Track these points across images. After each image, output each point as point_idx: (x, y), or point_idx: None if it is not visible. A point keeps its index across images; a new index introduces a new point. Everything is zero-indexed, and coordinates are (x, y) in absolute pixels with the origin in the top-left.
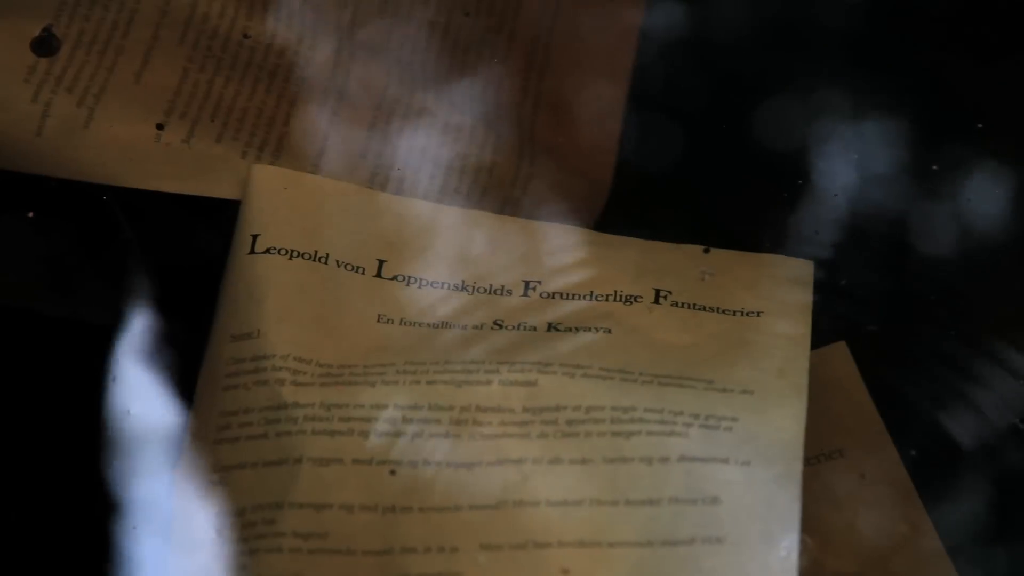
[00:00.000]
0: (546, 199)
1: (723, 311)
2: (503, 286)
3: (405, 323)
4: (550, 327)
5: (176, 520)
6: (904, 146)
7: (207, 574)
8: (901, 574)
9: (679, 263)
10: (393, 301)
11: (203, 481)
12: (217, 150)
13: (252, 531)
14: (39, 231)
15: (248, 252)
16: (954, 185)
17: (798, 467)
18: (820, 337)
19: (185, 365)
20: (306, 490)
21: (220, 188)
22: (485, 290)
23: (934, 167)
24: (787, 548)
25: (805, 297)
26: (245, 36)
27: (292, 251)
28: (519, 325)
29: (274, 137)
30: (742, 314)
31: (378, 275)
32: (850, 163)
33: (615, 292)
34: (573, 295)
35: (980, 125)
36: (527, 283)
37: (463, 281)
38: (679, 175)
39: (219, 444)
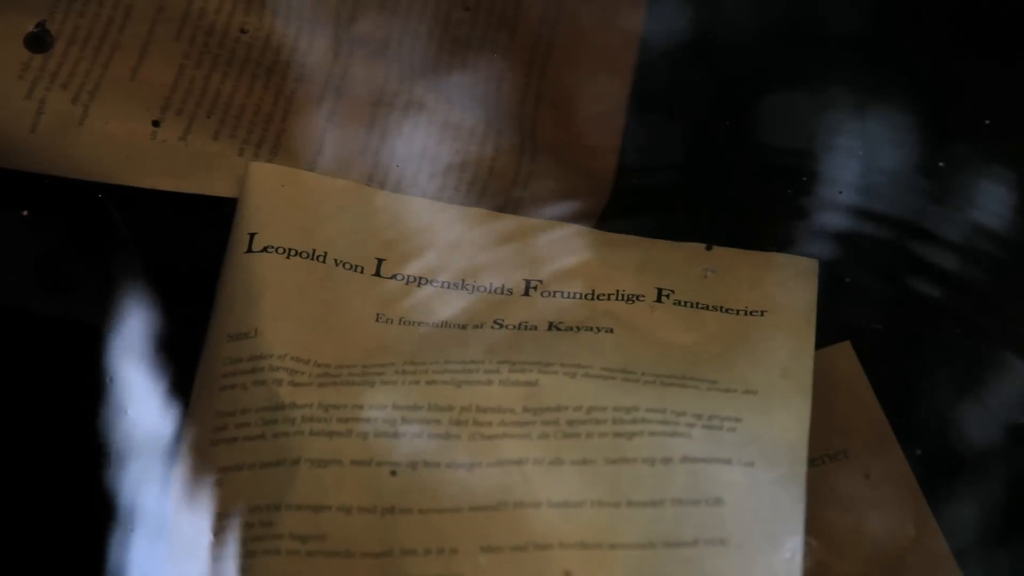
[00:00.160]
0: (547, 197)
1: (726, 310)
2: (503, 285)
3: (404, 322)
4: (551, 326)
5: (173, 522)
6: (910, 143)
7: None
8: None
9: (681, 262)
10: (392, 300)
11: (200, 482)
12: (214, 147)
13: (249, 533)
14: (33, 229)
15: (245, 251)
16: (961, 183)
17: (802, 468)
18: (825, 336)
19: (182, 365)
20: (304, 491)
21: (217, 186)
22: (485, 289)
23: (941, 164)
24: (791, 550)
25: (810, 296)
26: (242, 31)
27: (290, 250)
28: (520, 324)
29: (272, 134)
30: (746, 313)
31: (377, 274)
32: (855, 160)
33: (617, 291)
34: (574, 294)
35: (988, 122)
36: (528, 282)
37: (463, 280)
38: (682, 173)
39: (216, 445)
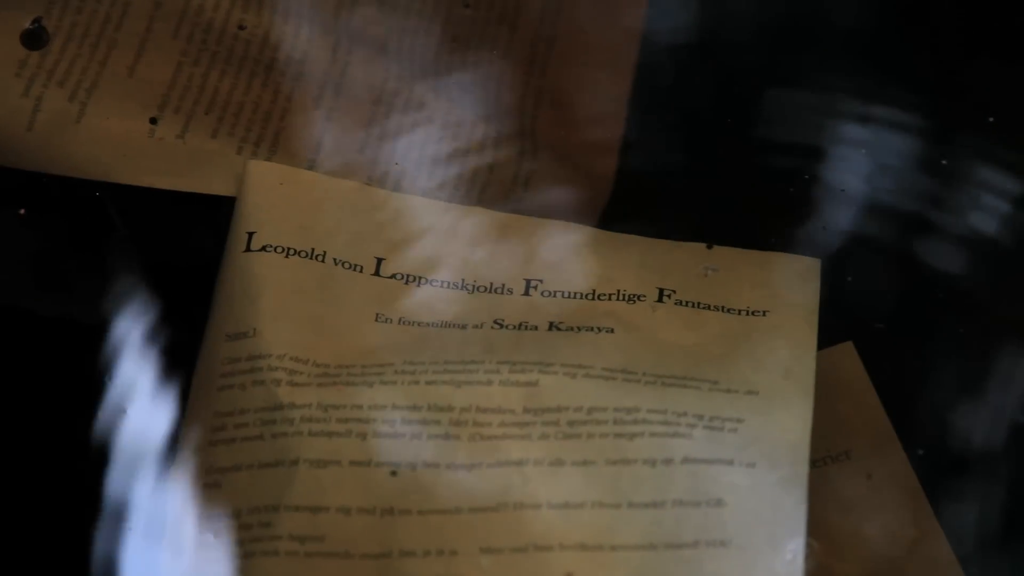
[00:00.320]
0: (548, 196)
1: (728, 310)
2: (504, 285)
3: (404, 322)
4: (551, 326)
5: (171, 522)
6: (913, 141)
7: None
8: None
9: (683, 262)
10: (392, 300)
11: (198, 483)
12: (212, 145)
13: (248, 534)
14: (31, 228)
15: (244, 250)
16: (964, 181)
17: (804, 469)
18: (827, 337)
19: (180, 365)
20: (303, 492)
21: (215, 184)
22: (485, 289)
23: (944, 163)
24: (793, 551)
25: (812, 296)
26: (240, 28)
27: (289, 249)
28: (520, 324)
29: (270, 132)
30: (747, 313)
31: (376, 273)
32: (858, 159)
33: (618, 291)
34: (575, 294)
35: (991, 119)
36: (528, 282)
37: (463, 280)
38: (683, 171)
39: (214, 445)
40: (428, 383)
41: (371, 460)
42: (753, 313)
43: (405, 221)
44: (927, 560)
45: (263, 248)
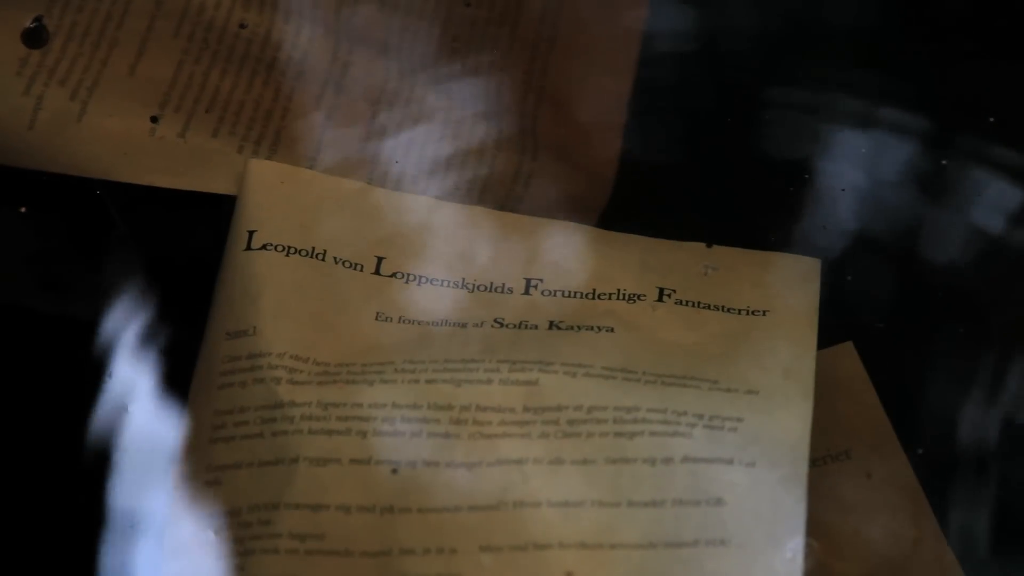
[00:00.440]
0: (548, 196)
1: (728, 310)
2: (504, 284)
3: (404, 321)
4: (551, 325)
5: (171, 520)
6: (913, 141)
7: (202, 575)
8: None
9: (683, 261)
10: (392, 299)
11: (198, 481)
12: (213, 144)
13: (248, 532)
14: (32, 226)
15: (244, 248)
16: (964, 181)
17: (804, 468)
18: (827, 336)
19: (181, 363)
20: (303, 490)
21: (216, 183)
22: (485, 288)
23: (944, 162)
24: (792, 551)
25: (812, 296)
26: (241, 26)
27: (289, 247)
28: (520, 323)
29: (271, 131)
30: (747, 313)
31: (376, 272)
32: (858, 158)
33: (618, 290)
34: (575, 293)
35: (991, 119)
36: (528, 281)
37: (463, 279)
38: (683, 171)
39: (214, 443)
40: (428, 382)
41: (371, 458)
42: (753, 313)
43: (405, 220)
44: (926, 559)
45: (263, 247)
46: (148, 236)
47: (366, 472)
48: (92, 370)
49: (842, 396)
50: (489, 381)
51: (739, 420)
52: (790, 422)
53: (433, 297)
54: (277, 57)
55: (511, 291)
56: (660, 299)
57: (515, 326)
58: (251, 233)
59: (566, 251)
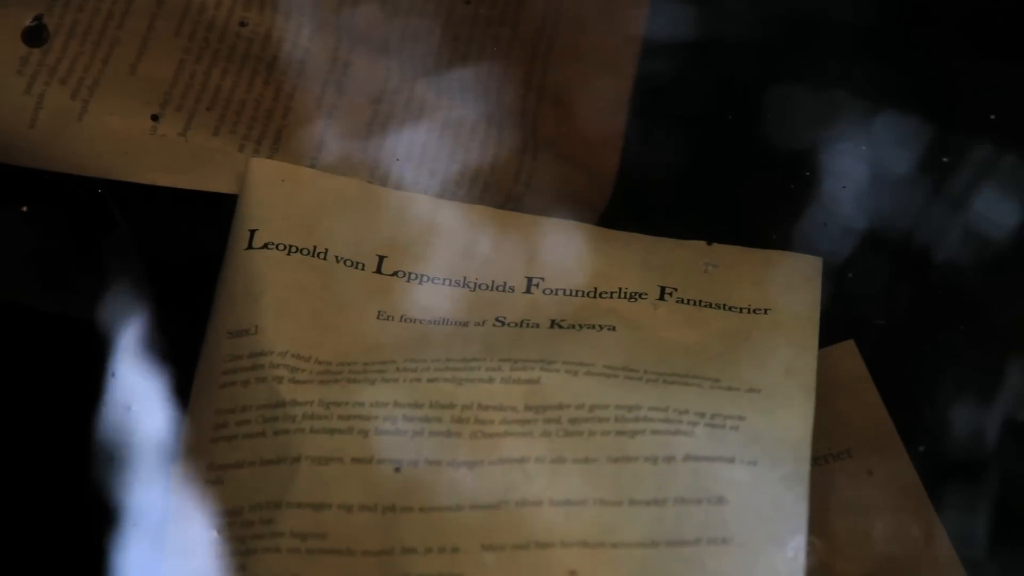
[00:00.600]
0: (549, 194)
1: (729, 308)
2: (505, 283)
3: (405, 320)
4: (553, 324)
5: (173, 519)
6: (915, 138)
7: (204, 574)
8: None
9: (684, 259)
10: (393, 298)
11: (200, 480)
12: (214, 143)
13: (250, 531)
14: (33, 225)
15: (245, 247)
16: (965, 178)
17: (805, 467)
18: (828, 335)
19: (182, 362)
20: (305, 489)
21: (217, 182)
22: (487, 287)
23: (945, 160)
24: (794, 549)
25: (813, 294)
26: (242, 25)
27: (290, 246)
28: (521, 322)
29: (272, 130)
30: (749, 311)
31: (378, 271)
32: (859, 156)
33: (619, 289)
34: (576, 292)
35: (992, 117)
36: (530, 280)
37: (464, 278)
38: (684, 169)
39: (216, 442)
40: (430, 380)
41: (373, 457)
42: (754, 311)
43: (407, 219)
44: (928, 558)
45: (265, 246)
46: (149, 235)
47: (368, 471)
48: (94, 369)
49: (843, 395)
50: (491, 380)
51: (741, 419)
52: (792, 421)
53: (434, 296)
54: (278, 56)
55: (512, 290)
56: (661, 298)
57: (516, 325)
58: (252, 232)
59: (567, 250)
